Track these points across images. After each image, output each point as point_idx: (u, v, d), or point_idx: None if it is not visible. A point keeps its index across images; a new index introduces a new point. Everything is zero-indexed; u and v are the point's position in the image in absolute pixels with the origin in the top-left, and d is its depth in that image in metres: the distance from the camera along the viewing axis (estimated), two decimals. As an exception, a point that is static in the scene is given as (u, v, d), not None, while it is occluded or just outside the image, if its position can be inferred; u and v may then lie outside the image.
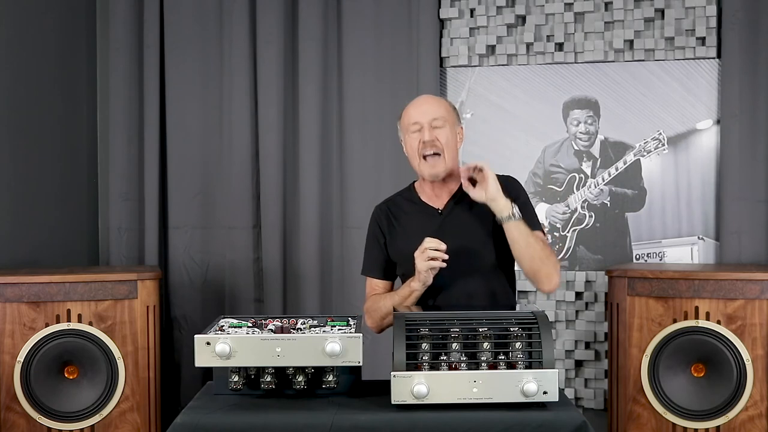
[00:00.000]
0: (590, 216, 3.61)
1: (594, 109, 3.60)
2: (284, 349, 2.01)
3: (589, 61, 3.58)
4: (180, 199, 3.77)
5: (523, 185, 2.55)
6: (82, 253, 3.69)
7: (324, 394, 2.11)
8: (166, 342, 3.66)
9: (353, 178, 3.69)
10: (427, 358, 2.00)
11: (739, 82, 3.41)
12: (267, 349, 2.01)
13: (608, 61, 3.57)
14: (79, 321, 2.86)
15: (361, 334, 2.04)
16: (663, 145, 3.55)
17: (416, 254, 2.29)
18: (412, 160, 2.46)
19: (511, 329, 2.03)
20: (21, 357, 2.82)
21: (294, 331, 2.11)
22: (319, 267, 3.68)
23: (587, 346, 3.58)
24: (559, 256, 3.61)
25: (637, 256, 3.57)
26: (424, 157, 2.41)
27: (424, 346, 2.01)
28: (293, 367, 2.07)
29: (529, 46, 3.61)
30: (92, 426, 2.88)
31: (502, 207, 2.32)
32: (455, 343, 2.01)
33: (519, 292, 3.63)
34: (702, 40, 3.49)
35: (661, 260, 3.55)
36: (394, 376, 1.96)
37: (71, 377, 2.87)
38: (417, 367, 1.99)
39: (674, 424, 2.92)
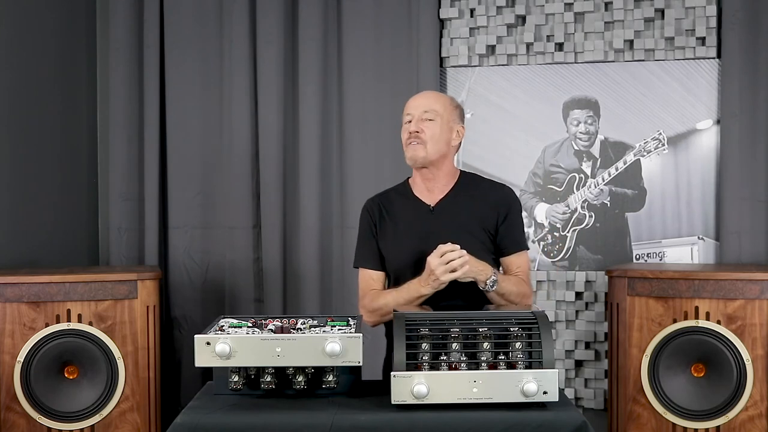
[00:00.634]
0: (590, 216, 3.61)
1: (594, 109, 3.60)
2: (284, 349, 2.01)
3: (589, 61, 3.58)
4: (180, 199, 3.77)
5: (518, 196, 2.59)
6: (82, 253, 3.69)
7: (324, 394, 2.11)
8: (166, 342, 3.66)
9: (353, 178, 3.70)
10: (427, 358, 2.01)
11: (739, 82, 3.41)
12: (267, 349, 2.01)
13: (608, 61, 3.57)
14: (79, 321, 2.86)
15: (361, 334, 2.04)
16: (663, 145, 3.55)
17: (432, 261, 2.29)
18: (404, 148, 2.51)
19: (511, 329, 2.03)
20: (21, 357, 2.82)
21: (294, 331, 2.11)
22: (319, 267, 3.68)
23: (587, 346, 3.58)
24: (559, 256, 3.62)
25: (637, 256, 3.57)
26: (408, 144, 2.47)
27: (424, 346, 2.01)
28: (293, 367, 2.07)
29: (529, 46, 3.61)
30: (92, 426, 2.88)
31: (479, 278, 2.35)
32: (455, 343, 2.01)
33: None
34: (702, 40, 3.49)
35: (661, 260, 3.55)
36: (394, 376, 1.96)
37: (71, 377, 2.87)
38: (417, 367, 1.99)
39: (674, 424, 2.92)
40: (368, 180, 3.61)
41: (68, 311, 2.86)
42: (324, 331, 2.09)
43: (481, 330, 2.03)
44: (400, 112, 2.56)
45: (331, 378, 2.07)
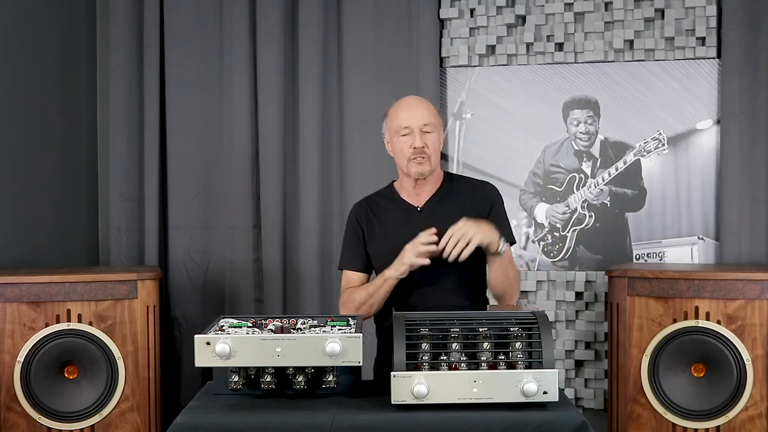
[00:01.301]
0: (590, 216, 3.61)
1: (594, 109, 3.60)
2: (284, 349, 2.01)
3: (589, 61, 3.58)
4: (180, 199, 3.77)
5: (500, 192, 2.61)
6: (82, 253, 3.69)
7: (324, 394, 2.11)
8: (166, 342, 3.66)
9: (353, 178, 3.70)
10: (427, 358, 2.01)
11: (739, 82, 3.41)
12: (267, 349, 2.01)
13: (608, 61, 3.57)
14: (79, 321, 2.86)
15: (361, 334, 2.04)
16: (663, 145, 3.55)
17: (408, 246, 2.38)
18: (399, 160, 2.53)
19: (511, 329, 2.03)
20: (21, 357, 2.82)
21: (294, 331, 2.10)
22: (319, 267, 3.68)
23: (587, 346, 3.58)
24: (559, 256, 3.62)
25: (637, 256, 3.57)
26: (413, 159, 2.48)
27: (424, 346, 2.01)
28: (293, 367, 2.07)
29: (529, 46, 3.61)
30: (92, 426, 2.88)
31: (493, 241, 2.38)
32: (455, 343, 2.01)
33: (520, 292, 3.62)
34: (702, 40, 3.49)
35: (661, 260, 3.55)
36: (394, 376, 1.96)
37: (71, 377, 2.87)
38: (417, 367, 1.99)
39: (674, 424, 2.92)
40: (368, 180, 3.60)
41: (68, 311, 2.86)
42: (324, 331, 2.09)
43: (481, 330, 2.03)
44: (385, 110, 2.57)
45: (331, 378, 2.07)
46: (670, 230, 3.56)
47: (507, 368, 1.99)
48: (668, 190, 3.56)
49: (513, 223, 2.80)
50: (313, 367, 2.06)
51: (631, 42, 3.54)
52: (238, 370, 2.06)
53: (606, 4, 3.56)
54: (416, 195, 2.56)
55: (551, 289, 3.61)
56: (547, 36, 3.60)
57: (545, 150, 3.63)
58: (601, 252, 3.60)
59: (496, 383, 1.96)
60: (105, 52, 3.77)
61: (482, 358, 2.00)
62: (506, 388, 1.96)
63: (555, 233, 3.63)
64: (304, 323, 2.20)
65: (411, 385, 1.95)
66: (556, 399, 1.97)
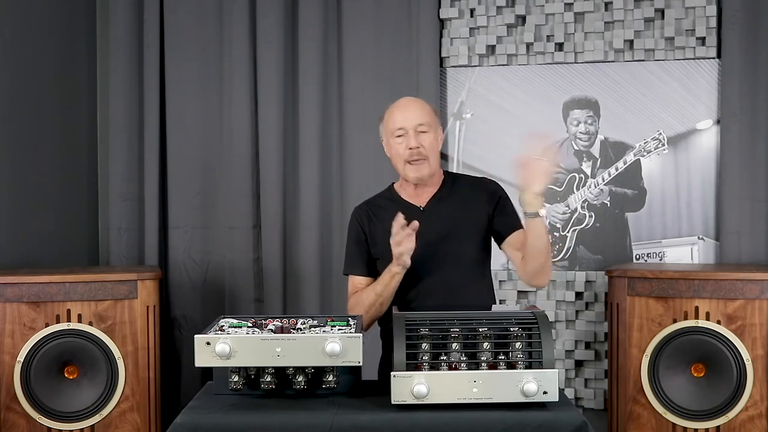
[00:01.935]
0: (590, 216, 3.61)
1: (594, 109, 3.60)
2: (284, 349, 2.01)
3: (589, 61, 3.58)
4: (180, 199, 3.77)
5: (502, 187, 2.61)
6: (82, 253, 3.69)
7: (324, 394, 2.11)
8: (166, 342, 3.66)
9: (353, 178, 3.70)
10: (427, 358, 2.01)
11: (739, 82, 3.41)
12: (267, 349, 2.01)
13: (608, 61, 3.57)
14: (79, 321, 2.86)
15: (361, 334, 2.04)
16: (663, 145, 3.55)
17: (391, 241, 2.32)
18: (396, 162, 2.51)
19: (511, 329, 2.03)
20: (21, 357, 2.82)
21: (294, 331, 2.11)
22: (319, 267, 3.68)
23: (587, 346, 3.58)
24: (559, 256, 3.62)
25: (637, 256, 3.57)
26: (410, 162, 2.46)
27: (424, 346, 2.01)
28: (293, 367, 2.07)
29: (529, 46, 3.61)
30: (92, 426, 2.88)
31: (536, 204, 2.32)
32: (455, 343, 2.01)
33: (518, 292, 3.63)
34: (702, 40, 3.49)
35: (661, 260, 3.55)
36: (394, 376, 1.96)
37: (71, 377, 2.87)
38: (417, 367, 1.99)
39: (674, 424, 2.92)
40: (368, 180, 3.60)
41: (68, 311, 2.86)
42: (324, 331, 2.09)
43: (481, 330, 2.03)
44: (382, 112, 2.57)
45: (331, 378, 2.07)
46: (670, 230, 3.56)
47: (507, 368, 1.99)
48: (668, 190, 3.56)
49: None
50: (313, 367, 2.06)
51: (631, 42, 3.54)
52: (238, 370, 2.06)
53: (606, 4, 3.56)
54: (417, 196, 2.55)
55: (551, 289, 3.61)
56: (547, 36, 3.60)
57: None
58: (601, 252, 3.60)
59: (496, 383, 1.96)
60: (105, 52, 3.77)
61: (482, 358, 2.00)
62: (506, 388, 1.96)
63: (555, 233, 3.63)
64: (304, 323, 2.20)
65: (411, 385, 1.95)
66: (556, 399, 1.97)
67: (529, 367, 1.98)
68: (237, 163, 3.71)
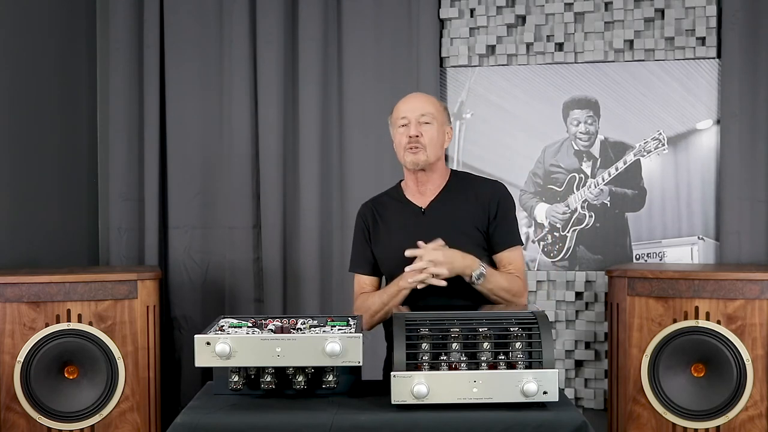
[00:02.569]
0: (590, 216, 3.61)
1: (594, 109, 3.60)
2: (284, 349, 2.01)
3: (589, 61, 3.58)
4: (180, 199, 3.77)
5: (510, 193, 2.58)
6: (82, 253, 3.69)
7: (324, 394, 2.11)
8: (166, 342, 3.66)
9: (353, 178, 3.70)
10: (427, 358, 2.01)
11: (739, 82, 3.41)
12: (267, 349, 2.01)
13: (608, 61, 3.57)
14: (79, 321, 2.86)
15: (361, 334, 2.04)
16: (663, 145, 3.55)
17: (407, 271, 2.34)
18: (398, 152, 2.52)
19: (511, 329, 2.03)
20: (21, 357, 2.81)
21: (294, 331, 2.11)
22: (319, 267, 3.68)
23: (587, 346, 3.58)
24: (559, 256, 3.62)
25: (637, 256, 3.57)
26: (408, 149, 2.47)
27: (424, 346, 2.01)
28: (293, 367, 2.07)
29: (529, 46, 3.61)
30: (92, 426, 2.88)
31: (465, 273, 2.36)
32: (455, 343, 2.01)
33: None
34: (702, 40, 3.49)
35: (661, 260, 3.55)
36: (394, 376, 1.96)
37: (71, 377, 2.87)
38: (417, 367, 1.99)
39: (674, 424, 2.92)
40: (368, 180, 3.61)
41: (68, 311, 2.86)
42: (324, 331, 2.09)
43: (481, 330, 2.03)
44: (392, 108, 2.57)
45: (331, 378, 2.07)
46: (670, 230, 3.56)
47: (507, 368, 1.99)
48: (668, 190, 3.56)
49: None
50: (313, 367, 2.06)
51: (631, 42, 3.54)
52: (238, 370, 2.06)
53: (606, 4, 3.56)
54: (420, 194, 2.55)
55: (551, 289, 3.61)
56: (547, 36, 3.60)
57: (545, 150, 3.63)
58: (601, 252, 3.60)
59: (496, 383, 1.97)
60: (105, 52, 3.77)
61: (482, 358, 2.00)
62: (506, 388, 1.96)
63: (555, 233, 3.63)
64: (304, 323, 2.20)
65: (411, 385, 1.95)
66: (556, 399, 1.97)
67: (529, 367, 1.98)
68: (237, 163, 3.71)
